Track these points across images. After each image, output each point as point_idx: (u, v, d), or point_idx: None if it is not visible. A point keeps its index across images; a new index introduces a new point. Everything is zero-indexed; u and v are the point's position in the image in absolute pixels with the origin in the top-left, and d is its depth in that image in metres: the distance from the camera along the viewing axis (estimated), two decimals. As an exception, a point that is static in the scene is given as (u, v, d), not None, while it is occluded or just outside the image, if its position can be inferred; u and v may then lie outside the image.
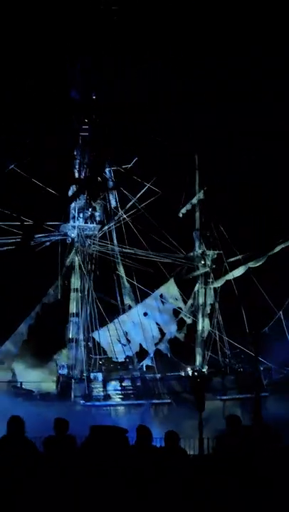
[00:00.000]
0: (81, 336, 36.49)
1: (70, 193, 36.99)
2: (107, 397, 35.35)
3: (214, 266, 39.81)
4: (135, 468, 10.50)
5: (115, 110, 35.30)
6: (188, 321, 39.29)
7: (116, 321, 37.12)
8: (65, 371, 35.62)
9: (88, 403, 34.60)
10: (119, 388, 35.93)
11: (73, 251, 37.19)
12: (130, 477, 10.40)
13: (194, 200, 39.36)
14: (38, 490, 10.07)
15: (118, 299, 37.93)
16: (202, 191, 39.43)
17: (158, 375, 36.60)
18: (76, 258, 37.11)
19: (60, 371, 35.64)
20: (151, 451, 10.89)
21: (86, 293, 36.74)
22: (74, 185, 37.00)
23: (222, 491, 10.60)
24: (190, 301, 39.61)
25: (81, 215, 37.50)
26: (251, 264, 37.85)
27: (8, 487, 9.81)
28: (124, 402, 35.38)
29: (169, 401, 35.90)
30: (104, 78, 35.91)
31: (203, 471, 11.18)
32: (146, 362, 37.32)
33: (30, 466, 10.13)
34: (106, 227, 37.68)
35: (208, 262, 39.84)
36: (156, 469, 10.52)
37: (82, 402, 34.75)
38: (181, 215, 39.37)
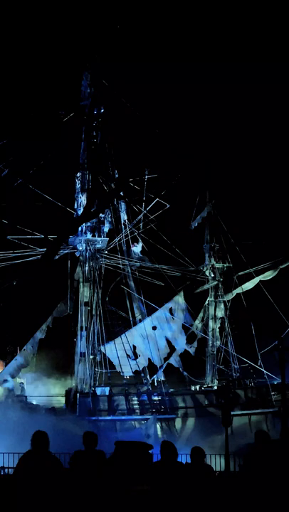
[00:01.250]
0: (89, 350, 36.21)
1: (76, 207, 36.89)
2: (113, 411, 34.96)
3: (221, 279, 39.61)
4: (161, 484, 10.29)
5: (124, 122, 35.27)
6: (199, 334, 39.03)
7: (124, 335, 36.82)
8: (10, 384, 35.10)
9: (93, 418, 34.19)
10: (125, 403, 35.57)
11: (81, 264, 36.98)
12: (156, 493, 10.20)
13: (204, 214, 39.25)
14: (65, 504, 9.89)
15: (129, 312, 37.62)
16: (210, 205, 39.35)
17: (164, 390, 36.23)
18: (84, 271, 36.88)
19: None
20: (177, 467, 10.65)
21: (94, 306, 36.46)
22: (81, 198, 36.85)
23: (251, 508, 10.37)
24: (200, 315, 39.39)
25: (89, 228, 37.31)
26: (262, 278, 37.56)
27: (33, 501, 9.62)
28: (128, 417, 34.97)
29: (174, 416, 35.55)
30: (112, 87, 35.88)
31: (231, 489, 10.95)
32: (158, 376, 37.07)
33: (56, 481, 9.94)
34: (116, 239, 37.42)
35: (217, 275, 39.65)
36: (182, 485, 10.29)
37: (86, 416, 34.35)
38: (192, 229, 39.30)
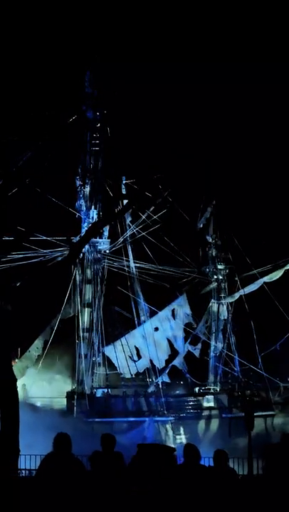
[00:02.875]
0: (91, 352, 36.27)
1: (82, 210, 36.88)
2: (110, 413, 34.93)
3: (221, 279, 39.42)
4: (184, 487, 10.24)
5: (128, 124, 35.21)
6: (203, 337, 38.97)
7: (126, 336, 36.85)
8: None
9: (89, 419, 34.15)
10: (122, 405, 35.58)
11: (83, 266, 36.90)
12: (178, 497, 10.15)
13: (207, 215, 39.08)
14: (86, 506, 9.83)
15: (134, 313, 37.58)
16: (212, 206, 39.17)
17: (162, 392, 36.26)
18: (86, 273, 36.83)
19: None
20: (200, 470, 10.59)
21: (97, 308, 36.44)
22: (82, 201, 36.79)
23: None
24: (205, 317, 39.26)
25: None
26: (266, 279, 37.31)
27: (55, 503, 9.55)
28: (124, 419, 34.94)
29: (172, 419, 35.52)
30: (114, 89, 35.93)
31: (253, 493, 10.90)
32: (163, 378, 37.13)
33: (79, 483, 9.88)
34: (120, 239, 37.28)
35: (220, 277, 39.48)
36: (205, 489, 10.24)
37: (83, 418, 34.32)
38: (198, 230, 39.16)
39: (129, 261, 37.10)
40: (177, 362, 37.76)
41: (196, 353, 38.71)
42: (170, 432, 34.99)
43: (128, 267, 37.09)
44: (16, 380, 11.98)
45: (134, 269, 37.09)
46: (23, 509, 10.30)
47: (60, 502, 9.63)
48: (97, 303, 36.41)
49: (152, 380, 36.50)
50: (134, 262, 37.34)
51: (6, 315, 12.56)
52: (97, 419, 34.06)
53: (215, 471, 10.56)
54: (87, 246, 36.75)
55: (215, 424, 35.71)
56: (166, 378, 37.27)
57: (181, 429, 35.35)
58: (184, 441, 33.25)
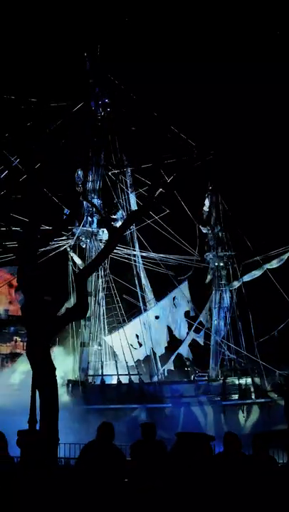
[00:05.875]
0: (90, 340, 36.34)
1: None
2: (103, 400, 35.04)
3: (221, 266, 39.35)
4: (224, 475, 10.24)
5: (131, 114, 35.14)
6: (207, 324, 39.03)
7: (128, 325, 36.93)
8: None
9: (84, 406, 34.25)
10: (116, 392, 35.69)
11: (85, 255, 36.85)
12: (218, 484, 10.14)
13: (207, 202, 38.94)
14: (126, 496, 9.84)
15: (140, 300, 37.53)
16: (210, 192, 39.00)
17: (156, 379, 36.40)
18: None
19: None
20: (240, 458, 10.58)
21: (99, 297, 36.44)
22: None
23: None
24: (208, 305, 39.24)
25: (95, 219, 37.25)
26: (269, 266, 37.26)
27: (94, 491, 9.52)
28: (117, 406, 35.02)
29: (168, 405, 35.65)
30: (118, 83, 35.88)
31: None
32: (168, 366, 37.23)
33: (119, 472, 9.88)
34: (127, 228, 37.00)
35: (221, 264, 39.40)
36: (245, 477, 10.25)
37: (78, 405, 34.41)
38: (204, 216, 39.02)
39: (134, 250, 37.01)
40: (183, 350, 37.88)
41: (200, 341, 38.81)
42: (166, 419, 35.12)
43: (134, 255, 37.03)
44: (55, 369, 11.96)
45: (140, 257, 37.03)
46: (62, 497, 10.30)
47: (98, 491, 9.63)
48: (99, 292, 36.43)
49: (158, 368, 36.63)
50: (135, 251, 37.29)
51: (43, 304, 12.53)
52: (90, 407, 34.17)
53: (256, 460, 10.51)
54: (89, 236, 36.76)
55: (210, 410, 35.93)
56: (170, 366, 37.44)
57: (179, 415, 35.50)
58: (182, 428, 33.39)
